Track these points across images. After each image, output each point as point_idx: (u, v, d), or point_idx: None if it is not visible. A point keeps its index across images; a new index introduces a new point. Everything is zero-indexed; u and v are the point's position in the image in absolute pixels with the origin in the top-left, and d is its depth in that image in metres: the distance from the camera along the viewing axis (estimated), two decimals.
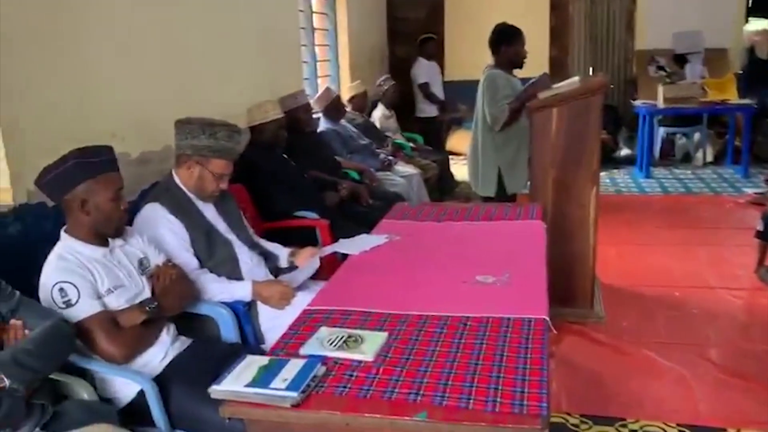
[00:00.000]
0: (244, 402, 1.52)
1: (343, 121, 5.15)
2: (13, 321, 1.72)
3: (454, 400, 1.49)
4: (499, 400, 1.48)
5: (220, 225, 2.54)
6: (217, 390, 1.54)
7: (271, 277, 2.63)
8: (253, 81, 4.06)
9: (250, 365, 1.63)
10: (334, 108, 4.93)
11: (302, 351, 1.74)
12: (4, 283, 1.78)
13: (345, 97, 5.55)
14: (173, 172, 2.50)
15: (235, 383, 1.55)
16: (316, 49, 5.58)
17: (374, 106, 6.21)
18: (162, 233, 2.36)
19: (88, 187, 1.97)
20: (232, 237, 2.55)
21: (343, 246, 2.59)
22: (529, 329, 1.82)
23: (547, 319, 1.89)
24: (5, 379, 1.55)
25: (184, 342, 2.21)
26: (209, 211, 2.53)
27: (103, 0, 2.74)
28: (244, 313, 2.41)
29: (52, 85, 2.46)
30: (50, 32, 2.45)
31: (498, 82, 3.75)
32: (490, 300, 2.03)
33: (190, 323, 2.33)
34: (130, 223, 2.37)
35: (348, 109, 5.47)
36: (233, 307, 2.39)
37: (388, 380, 1.58)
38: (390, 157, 5.20)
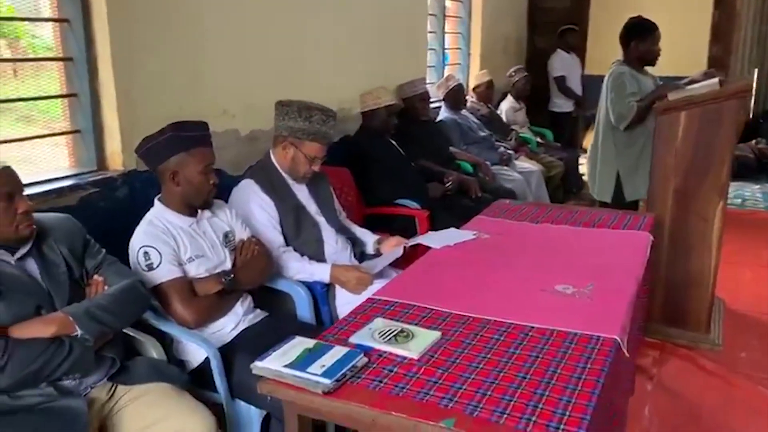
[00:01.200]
0: (280, 382, 1.55)
1: (464, 111, 5.05)
2: (95, 276, 1.87)
3: (488, 412, 1.41)
4: (534, 419, 1.38)
5: (311, 206, 2.60)
6: (258, 366, 1.58)
7: (356, 261, 2.65)
8: (372, 66, 4.09)
9: (296, 346, 1.65)
10: (454, 97, 4.85)
11: (351, 339, 1.73)
12: (93, 240, 1.94)
13: (472, 86, 5.43)
14: (270, 152, 2.59)
15: (276, 362, 1.58)
16: (447, 36, 5.51)
17: (504, 97, 6.04)
18: (252, 209, 2.45)
19: (180, 159, 2.08)
20: (320, 219, 2.60)
21: (428, 239, 2.54)
22: (594, 348, 1.69)
23: (619, 339, 1.73)
24: (78, 329, 1.68)
25: (258, 315, 2.29)
26: (301, 192, 2.59)
27: None
28: (322, 294, 2.46)
29: (168, 60, 2.63)
30: (167, 8, 2.61)
31: (624, 78, 3.49)
32: (563, 312, 1.90)
33: (269, 298, 2.41)
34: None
35: (472, 99, 5.37)
36: (312, 287, 2.44)
37: (426, 381, 1.54)
38: (510, 152, 5.04)
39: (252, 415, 2.02)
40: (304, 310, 2.38)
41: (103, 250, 1.94)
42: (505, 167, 4.84)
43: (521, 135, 5.66)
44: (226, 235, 2.26)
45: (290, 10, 3.34)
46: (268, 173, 2.54)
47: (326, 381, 1.50)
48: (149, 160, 2.14)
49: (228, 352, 2.06)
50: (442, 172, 3.97)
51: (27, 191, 2.18)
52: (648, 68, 3.69)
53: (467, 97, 5.34)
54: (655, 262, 3.09)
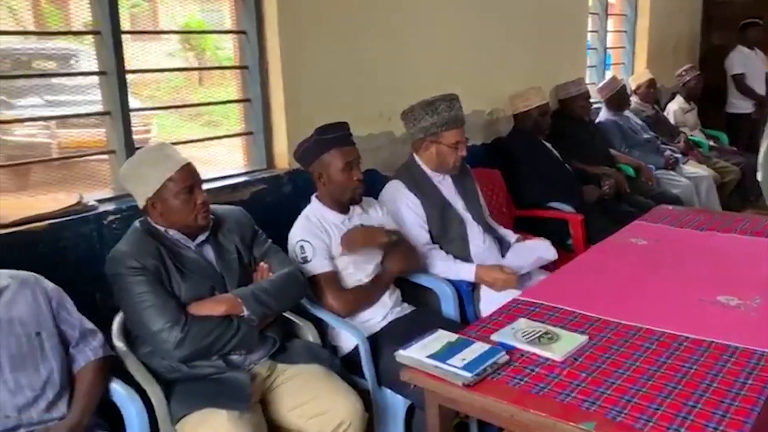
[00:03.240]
0: (422, 371, 1.61)
1: (627, 113, 4.82)
2: (261, 264, 2.05)
3: (632, 418, 1.38)
4: (682, 430, 1.32)
5: (457, 203, 2.64)
6: (402, 355, 1.66)
7: (502, 261, 2.64)
8: (529, 67, 4.04)
9: (439, 339, 1.71)
10: (617, 98, 4.63)
11: (494, 337, 1.75)
12: (261, 231, 2.13)
13: (632, 86, 5.16)
14: (414, 156, 2.67)
15: (419, 352, 1.65)
16: (610, 35, 5.30)
17: (673, 98, 5.66)
18: (399, 207, 2.54)
19: (323, 159, 2.23)
20: (467, 216, 2.63)
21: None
22: (757, 363, 1.57)
23: None
24: (245, 310, 1.87)
25: (405, 309, 2.37)
26: (447, 189, 2.64)
27: None
28: (467, 293, 2.49)
29: (332, 68, 2.81)
30: (333, 20, 2.79)
31: None
32: (724, 324, 1.79)
33: (417, 293, 2.49)
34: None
35: (635, 100, 5.10)
36: (458, 285, 2.48)
37: (569, 383, 1.53)
38: (677, 155, 4.73)
39: (397, 403, 2.10)
40: (449, 307, 2.42)
41: (269, 240, 2.12)
42: (672, 172, 4.54)
43: (691, 138, 5.27)
44: None
45: (448, 16, 3.42)
46: (413, 173, 2.62)
47: (467, 374, 1.54)
48: (303, 161, 2.31)
49: (376, 341, 2.16)
50: (598, 175, 3.82)
51: (209, 186, 2.47)
52: None
53: (631, 99, 5.08)
54: None
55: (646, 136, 4.73)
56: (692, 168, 4.76)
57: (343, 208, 2.31)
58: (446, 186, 2.65)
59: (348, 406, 1.88)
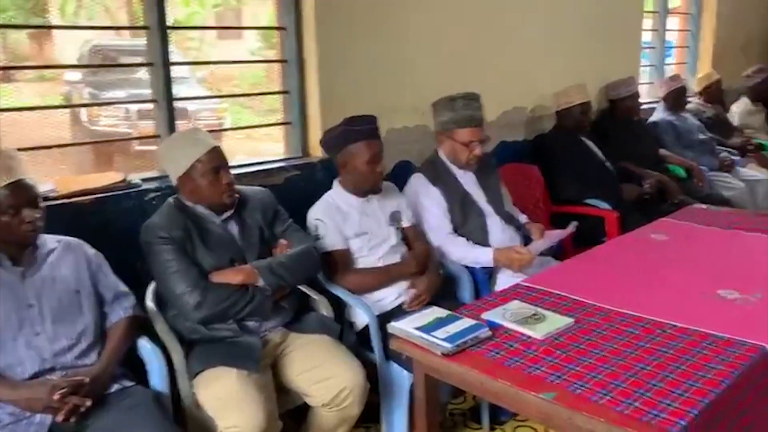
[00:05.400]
0: (408, 341, 1.74)
1: (685, 113, 4.72)
2: (281, 240, 2.23)
3: (591, 392, 1.46)
4: (636, 404, 1.40)
5: (478, 195, 2.73)
6: (393, 326, 1.80)
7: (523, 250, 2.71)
8: (576, 65, 4.03)
9: (431, 314, 1.83)
10: (673, 98, 4.55)
11: (483, 315, 1.85)
12: (282, 210, 2.30)
13: (697, 87, 5.04)
14: (438, 149, 2.78)
15: (409, 324, 1.78)
16: (673, 34, 5.19)
17: (738, 98, 5.48)
18: (422, 200, 2.66)
19: (349, 150, 2.37)
20: (487, 208, 2.72)
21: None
22: (734, 352, 1.61)
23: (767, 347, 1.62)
24: (261, 280, 2.05)
25: None
26: (468, 182, 2.73)
27: None
28: (483, 280, 2.58)
29: (368, 61, 2.96)
30: (368, 18, 2.93)
31: None
32: (715, 315, 1.82)
33: None
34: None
35: (698, 100, 4.98)
36: (474, 272, 2.58)
37: (542, 358, 1.61)
38: (734, 158, 4.59)
39: (404, 377, 2.22)
40: (465, 292, 2.53)
41: (290, 219, 2.30)
42: (726, 174, 4.43)
43: (756, 140, 5.09)
44: (393, 215, 2.50)
45: (491, 12, 3.49)
46: (435, 166, 2.74)
47: (446, 345, 1.65)
48: (328, 149, 2.47)
49: (388, 318, 2.26)
50: (640, 174, 3.79)
51: (247, 170, 2.68)
52: None
53: (691, 99, 4.97)
54: None
55: (701, 136, 4.62)
56: (751, 171, 4.62)
57: (362, 193, 2.45)
58: (467, 179, 2.74)
59: (351, 374, 2.02)
